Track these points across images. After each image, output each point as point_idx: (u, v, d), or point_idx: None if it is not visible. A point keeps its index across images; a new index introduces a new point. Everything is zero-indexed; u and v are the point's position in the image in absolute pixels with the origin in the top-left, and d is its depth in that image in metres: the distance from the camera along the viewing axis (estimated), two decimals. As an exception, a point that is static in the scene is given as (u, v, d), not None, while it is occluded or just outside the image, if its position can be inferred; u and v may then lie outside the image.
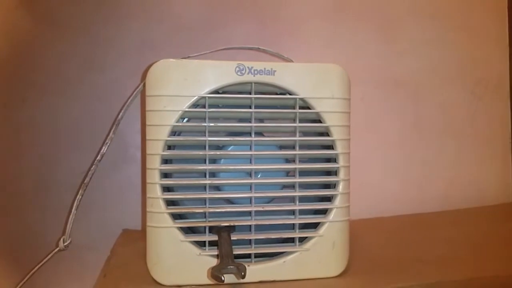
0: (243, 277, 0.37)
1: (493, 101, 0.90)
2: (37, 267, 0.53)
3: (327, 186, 0.51)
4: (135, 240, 0.62)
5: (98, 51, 0.72)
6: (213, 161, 0.48)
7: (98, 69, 0.71)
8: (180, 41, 0.73)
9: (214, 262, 0.45)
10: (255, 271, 0.46)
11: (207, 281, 0.44)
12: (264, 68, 0.47)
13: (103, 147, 0.54)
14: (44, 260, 0.52)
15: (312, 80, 0.48)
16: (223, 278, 0.36)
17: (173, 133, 0.46)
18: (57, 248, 0.52)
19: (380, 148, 0.84)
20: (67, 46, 0.70)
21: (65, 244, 0.51)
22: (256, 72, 0.46)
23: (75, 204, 0.52)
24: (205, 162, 0.46)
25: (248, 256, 0.47)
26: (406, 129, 0.85)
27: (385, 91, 0.84)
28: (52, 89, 0.70)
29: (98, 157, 0.54)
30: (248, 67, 0.46)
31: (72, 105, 0.71)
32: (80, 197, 0.53)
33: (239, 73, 0.46)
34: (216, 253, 0.45)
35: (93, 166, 0.53)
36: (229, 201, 0.49)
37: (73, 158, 0.70)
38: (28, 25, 0.69)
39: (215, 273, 0.36)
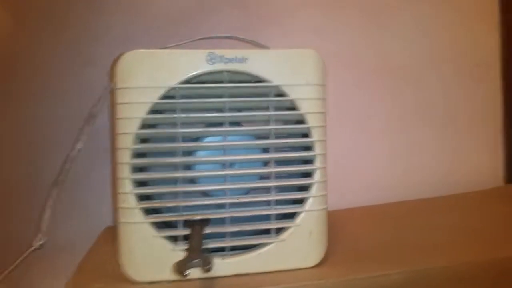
0: (208, 270, 0.36)
1: (486, 83, 0.89)
2: (11, 267, 0.52)
3: (306, 175, 0.50)
4: (115, 238, 0.61)
5: (82, 45, 0.70)
6: (190, 153, 0.47)
7: (83, 64, 0.70)
8: (163, 33, 0.72)
9: (188, 256, 0.44)
10: (230, 265, 0.45)
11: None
12: (236, 56, 0.45)
13: (79, 143, 0.53)
14: (19, 260, 0.51)
15: (286, 66, 0.47)
16: (185, 274, 0.35)
17: (144, 126, 0.45)
18: (32, 248, 0.51)
19: (371, 136, 0.82)
20: (51, 40, 0.69)
21: (40, 243, 0.50)
22: (227, 60, 0.45)
23: (48, 203, 0.51)
24: (179, 154, 0.45)
25: (223, 249, 0.46)
26: (398, 116, 0.83)
27: (381, 77, 0.82)
28: (36, 85, 0.69)
29: (74, 153, 0.53)
30: (219, 56, 0.45)
31: (56, 101, 0.69)
32: (54, 194, 0.51)
33: (210, 61, 0.45)
34: (190, 247, 0.44)
35: (68, 162, 0.52)
36: (206, 194, 0.48)
37: (57, 153, 0.69)
38: (10, 18, 0.68)
39: (179, 269, 0.35)
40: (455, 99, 0.87)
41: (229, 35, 0.60)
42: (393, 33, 0.83)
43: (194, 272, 0.41)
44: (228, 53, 0.46)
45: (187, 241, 0.43)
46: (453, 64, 0.86)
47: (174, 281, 0.44)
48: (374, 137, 0.83)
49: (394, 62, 0.83)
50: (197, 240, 0.39)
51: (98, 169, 0.71)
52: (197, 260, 0.36)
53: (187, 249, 0.40)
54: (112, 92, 0.46)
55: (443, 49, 0.86)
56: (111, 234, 0.64)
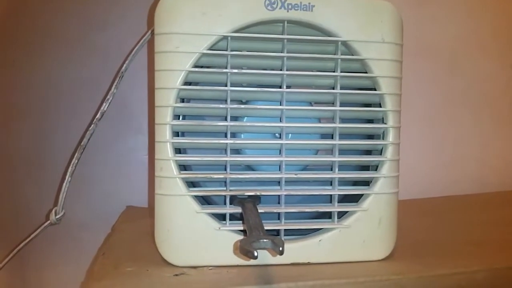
0: (281, 253, 0.28)
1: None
2: (23, 243, 0.45)
3: (368, 152, 0.42)
4: (140, 217, 0.54)
5: (98, 8, 0.63)
6: (235, 119, 0.40)
7: (99, 28, 0.63)
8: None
9: (236, 238, 0.36)
10: (286, 251, 0.37)
11: (227, 261, 0.36)
12: (300, 2, 0.38)
13: (104, 104, 0.45)
14: (33, 235, 0.45)
15: (358, 19, 0.39)
16: (256, 254, 0.27)
17: (186, 83, 0.38)
18: (48, 222, 0.44)
19: (409, 125, 0.74)
20: (64, 2, 0.62)
21: (57, 216, 0.43)
22: (290, 6, 0.38)
23: (69, 170, 0.44)
24: (224, 120, 0.38)
25: (276, 233, 0.38)
26: (438, 104, 0.76)
27: (416, 61, 0.74)
28: (48, 50, 0.62)
29: (98, 116, 0.45)
30: (280, 1, 0.37)
31: (69, 67, 0.63)
32: (76, 161, 0.44)
33: (269, 7, 0.37)
34: (239, 228, 0.37)
35: (92, 125, 0.45)
36: (250, 168, 0.41)
37: (72, 124, 0.62)
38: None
39: (246, 247, 0.28)
40: (498, 90, 0.78)
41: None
42: (433, 13, 0.74)
43: (246, 259, 0.34)
44: (291, -2, 0.38)
45: (238, 221, 0.36)
46: (500, 51, 0.78)
47: (219, 266, 0.36)
48: (413, 127, 0.75)
49: (434, 45, 0.75)
50: (256, 218, 0.32)
51: (119, 144, 0.64)
52: (266, 240, 0.28)
53: (246, 229, 0.32)
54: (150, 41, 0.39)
55: (489, 33, 0.77)
56: (133, 214, 0.57)
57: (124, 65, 0.46)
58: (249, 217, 0.33)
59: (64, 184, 0.43)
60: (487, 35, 0.77)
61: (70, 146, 0.61)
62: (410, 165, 0.75)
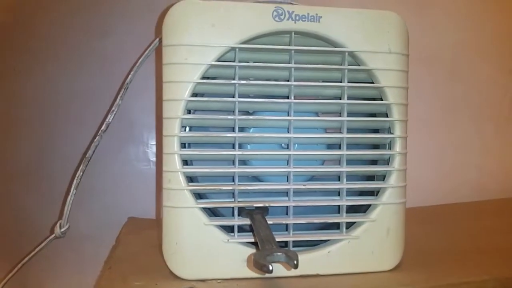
0: (296, 266, 0.28)
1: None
2: (28, 257, 0.44)
3: (374, 161, 0.42)
4: (144, 228, 0.53)
5: (100, 14, 0.63)
6: (241, 130, 0.40)
7: (100, 34, 0.62)
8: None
9: (245, 251, 0.36)
10: (295, 263, 0.37)
11: (236, 274, 0.36)
12: (308, 13, 0.38)
13: (109, 116, 0.45)
14: (38, 249, 0.44)
15: (364, 29, 0.39)
16: (271, 268, 0.27)
17: (194, 94, 0.38)
18: (53, 235, 0.43)
19: (409, 131, 0.75)
20: (65, 8, 0.62)
21: (62, 230, 0.43)
22: (297, 18, 0.38)
23: (74, 182, 0.43)
24: (231, 131, 0.38)
25: (284, 244, 0.38)
26: (438, 110, 0.76)
27: (416, 68, 0.74)
28: (49, 57, 0.62)
29: (103, 127, 0.45)
30: (288, 12, 0.38)
31: (71, 74, 0.62)
32: (81, 173, 0.44)
33: (277, 18, 0.37)
34: (247, 240, 0.36)
35: (97, 137, 0.45)
36: (257, 179, 0.40)
37: (73, 134, 0.62)
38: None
39: (260, 261, 0.27)
40: (497, 96, 0.79)
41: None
42: (434, 19, 0.75)
43: (255, 272, 0.34)
44: (299, 9, 0.38)
45: (246, 233, 0.36)
46: (498, 57, 0.78)
47: (228, 279, 0.36)
48: (413, 134, 0.75)
49: (434, 51, 0.75)
50: (266, 230, 0.32)
51: (120, 155, 0.64)
52: (280, 253, 0.28)
53: (258, 241, 0.32)
54: (158, 51, 0.39)
55: (489, 39, 0.78)
56: (136, 226, 0.57)
57: (129, 76, 0.46)
58: (260, 229, 0.32)
59: (69, 197, 0.43)
60: (487, 41, 0.78)
61: (71, 156, 0.61)
62: (410, 173, 0.75)
